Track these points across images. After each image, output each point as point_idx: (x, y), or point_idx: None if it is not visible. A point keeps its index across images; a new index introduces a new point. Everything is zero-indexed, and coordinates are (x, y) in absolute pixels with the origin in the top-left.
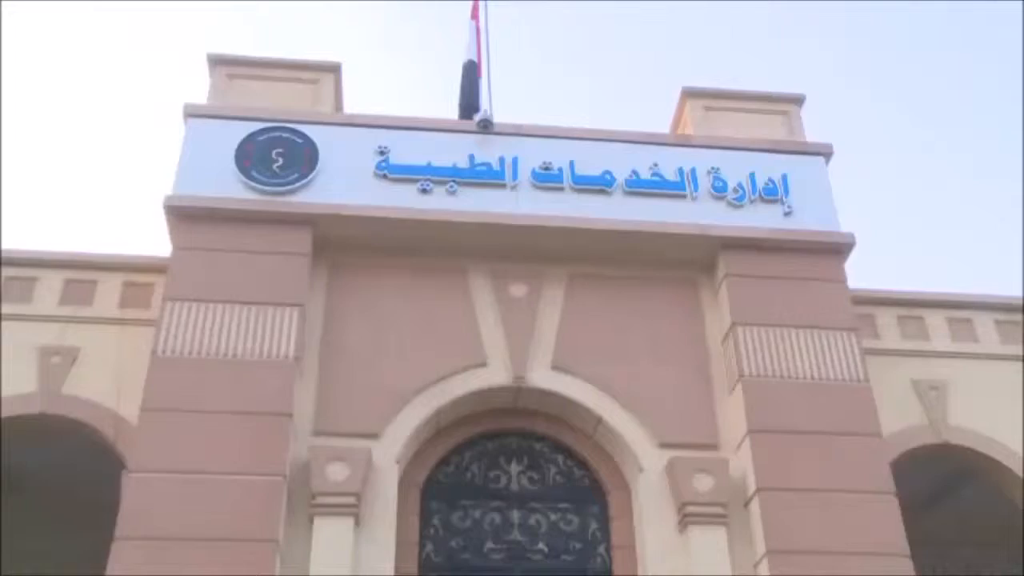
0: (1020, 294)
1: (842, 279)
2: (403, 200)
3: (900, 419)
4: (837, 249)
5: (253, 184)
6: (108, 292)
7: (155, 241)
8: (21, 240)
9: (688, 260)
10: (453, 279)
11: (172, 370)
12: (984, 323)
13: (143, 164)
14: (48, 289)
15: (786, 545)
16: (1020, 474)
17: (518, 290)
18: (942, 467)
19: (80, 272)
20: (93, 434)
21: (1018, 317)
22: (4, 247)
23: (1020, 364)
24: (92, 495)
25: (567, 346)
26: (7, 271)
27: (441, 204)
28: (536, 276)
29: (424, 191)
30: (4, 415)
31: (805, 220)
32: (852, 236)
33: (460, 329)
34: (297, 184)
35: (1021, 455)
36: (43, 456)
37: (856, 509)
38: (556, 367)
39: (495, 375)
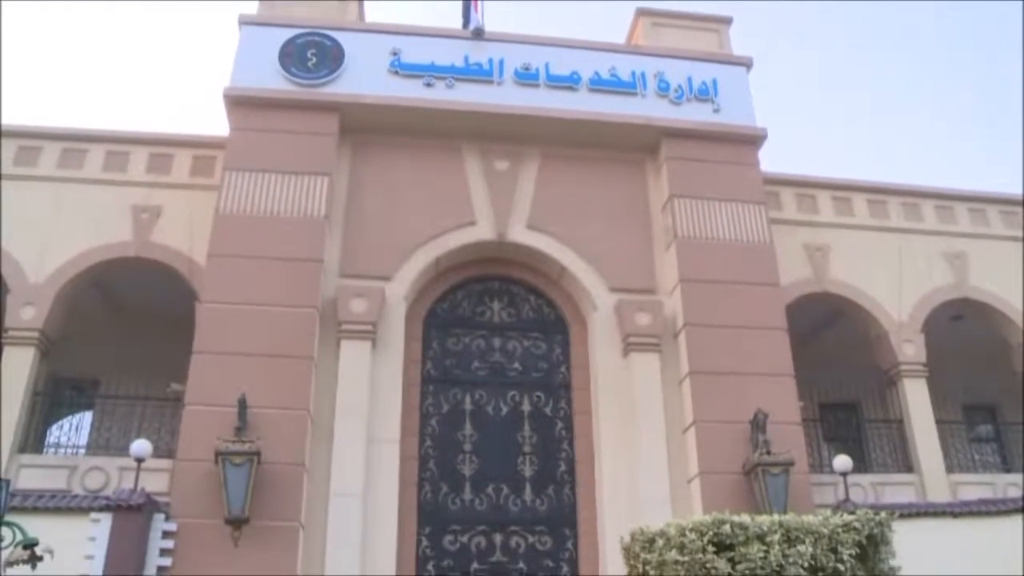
0: (889, 179)
1: (756, 163)
2: (411, 92)
3: (793, 273)
4: (753, 140)
5: (292, 78)
6: (182, 163)
7: (217, 122)
8: (115, 122)
9: (637, 145)
10: (450, 156)
11: (231, 225)
12: (859, 201)
13: (208, 61)
14: (138, 161)
15: (703, 367)
16: (875, 314)
17: (501, 165)
18: (821, 309)
19: (161, 148)
20: (173, 273)
21: (883, 197)
22: (105, 127)
23: (883, 233)
24: (175, 318)
25: (539, 210)
26: (109, 147)
27: (441, 96)
28: (516, 155)
29: (428, 85)
30: (108, 257)
31: (729, 116)
32: (765, 130)
33: (455, 195)
34: (327, 78)
35: (878, 300)
36: (138, 289)
37: (757, 340)
38: (530, 226)
39: (482, 232)
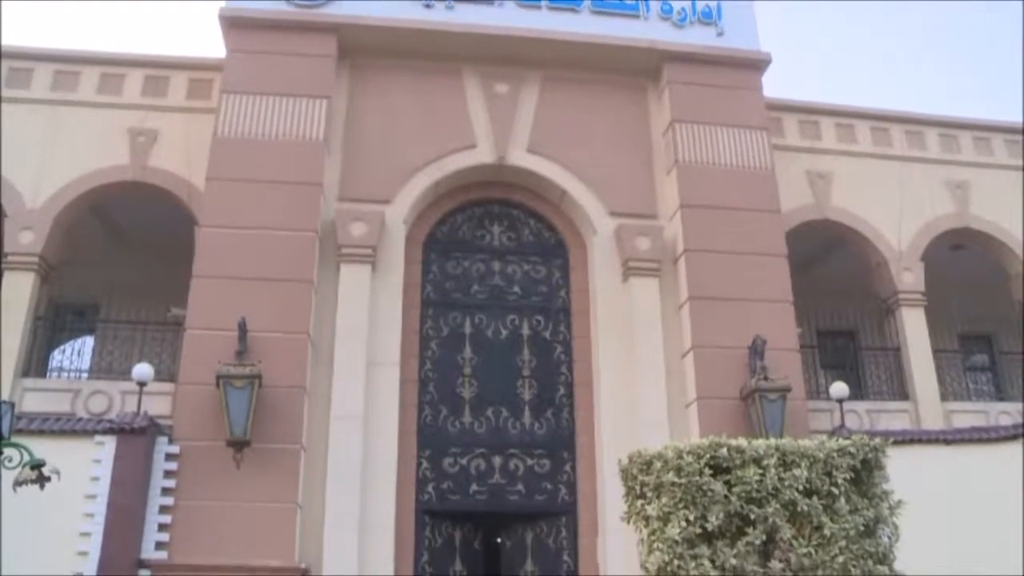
0: (891, 106)
1: (759, 88)
2: (410, 13)
3: (794, 200)
4: (756, 65)
5: None
6: (178, 86)
7: (213, 44)
8: (108, 43)
9: (639, 68)
10: (450, 78)
11: (229, 148)
12: (862, 129)
13: None
14: (133, 83)
15: (703, 293)
16: (875, 242)
17: (502, 88)
18: (821, 237)
19: (156, 70)
20: (172, 197)
21: (886, 125)
22: (98, 49)
23: (885, 161)
24: (174, 243)
25: (540, 134)
26: (103, 69)
27: (441, 17)
28: (517, 78)
29: (427, 6)
30: (105, 182)
31: (733, 40)
32: (769, 55)
33: (455, 118)
34: None
35: (879, 228)
36: (136, 213)
37: (757, 267)
38: (531, 150)
39: (482, 155)
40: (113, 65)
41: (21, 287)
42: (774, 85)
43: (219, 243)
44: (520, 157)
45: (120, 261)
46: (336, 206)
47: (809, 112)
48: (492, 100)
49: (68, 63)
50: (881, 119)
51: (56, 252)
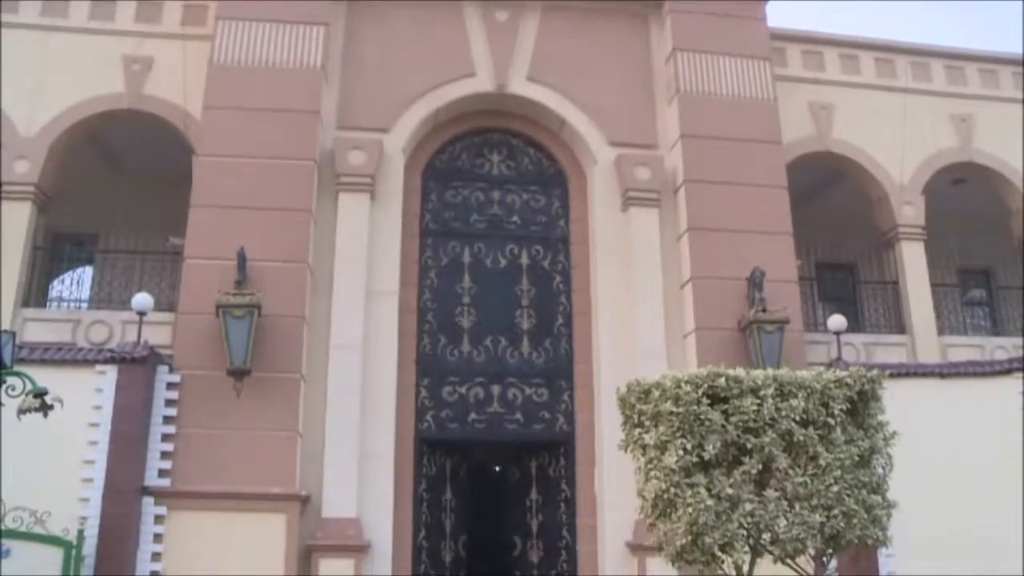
0: (897, 37)
1: (763, 18)
2: None
3: (796, 131)
4: None
5: None
6: (172, 12)
7: None
8: None
9: None
10: (449, 5)
11: (226, 76)
12: (866, 60)
13: None
14: (125, 9)
15: (702, 224)
16: (877, 175)
17: (502, 16)
18: (822, 169)
19: None
20: (169, 126)
21: (891, 56)
22: None
23: (889, 93)
24: (172, 172)
25: (540, 62)
26: None
27: None
28: (517, 5)
29: None
30: (100, 110)
31: None
32: None
33: (454, 46)
34: None
35: (881, 161)
36: (133, 142)
37: (756, 198)
38: (531, 78)
39: (482, 83)
40: None
41: (18, 217)
42: (778, 14)
43: (216, 172)
44: (520, 86)
45: (118, 190)
46: (334, 134)
47: (813, 42)
48: (492, 28)
49: None
50: (886, 50)
51: (52, 181)
